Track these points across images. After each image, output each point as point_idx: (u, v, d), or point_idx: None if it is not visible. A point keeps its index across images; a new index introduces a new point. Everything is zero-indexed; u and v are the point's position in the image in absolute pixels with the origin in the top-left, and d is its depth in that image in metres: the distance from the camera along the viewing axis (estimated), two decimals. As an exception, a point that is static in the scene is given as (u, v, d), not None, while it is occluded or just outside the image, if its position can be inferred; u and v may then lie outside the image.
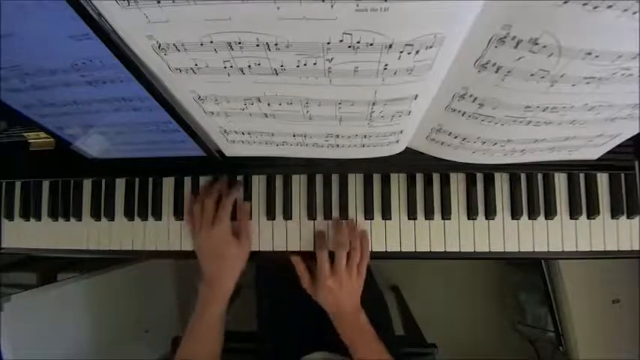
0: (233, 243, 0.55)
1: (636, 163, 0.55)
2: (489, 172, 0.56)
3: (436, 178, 0.57)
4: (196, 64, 0.34)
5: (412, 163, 0.55)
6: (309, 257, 0.58)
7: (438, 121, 0.45)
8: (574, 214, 0.55)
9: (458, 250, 0.56)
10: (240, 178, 0.60)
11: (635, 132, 0.44)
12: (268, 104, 0.40)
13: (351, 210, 0.58)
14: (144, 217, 0.61)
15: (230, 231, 0.56)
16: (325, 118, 0.41)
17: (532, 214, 0.56)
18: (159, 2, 0.27)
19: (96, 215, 0.62)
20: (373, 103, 0.38)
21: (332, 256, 0.56)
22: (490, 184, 0.57)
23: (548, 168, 0.55)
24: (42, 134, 0.59)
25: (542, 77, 0.33)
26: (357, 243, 0.56)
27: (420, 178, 0.58)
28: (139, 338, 1.16)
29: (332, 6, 0.26)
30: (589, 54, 0.30)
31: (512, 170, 0.56)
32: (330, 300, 0.56)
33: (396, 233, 0.57)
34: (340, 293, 0.55)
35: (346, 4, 0.25)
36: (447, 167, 0.54)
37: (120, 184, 0.63)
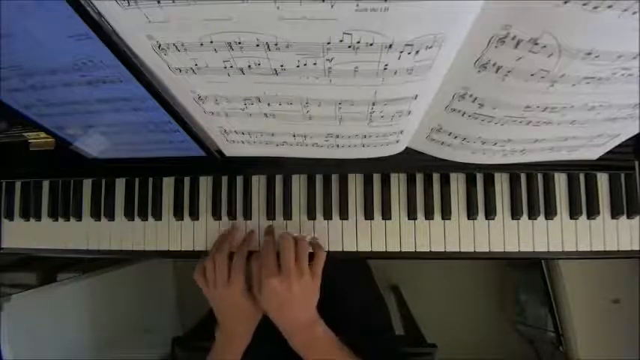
0: (249, 301, 0.53)
1: (636, 163, 0.55)
2: (489, 172, 0.56)
3: (436, 178, 0.57)
4: (196, 64, 0.34)
5: (412, 163, 0.55)
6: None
7: (438, 121, 0.45)
8: (574, 214, 0.55)
9: (458, 250, 0.56)
10: (240, 178, 0.60)
11: (635, 132, 0.44)
12: (268, 104, 0.40)
13: (351, 210, 0.58)
14: (144, 217, 0.61)
15: (245, 290, 0.53)
16: (325, 118, 0.42)
17: (532, 214, 0.56)
18: (159, 2, 0.27)
19: (96, 215, 0.62)
20: (373, 103, 0.38)
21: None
22: (490, 184, 0.57)
23: (548, 168, 0.55)
24: (42, 134, 0.59)
25: (542, 77, 0.33)
26: (299, 235, 0.53)
27: (420, 178, 0.58)
28: (139, 338, 1.16)
29: (332, 6, 0.26)
30: (589, 54, 0.30)
31: (512, 170, 0.56)
32: (275, 305, 0.50)
33: (396, 233, 0.57)
34: (288, 297, 0.48)
35: (346, 4, 0.25)
36: (447, 167, 0.54)
37: (120, 184, 0.63)
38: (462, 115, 0.41)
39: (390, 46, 0.29)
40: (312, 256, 0.53)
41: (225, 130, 0.47)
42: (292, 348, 0.51)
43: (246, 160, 0.56)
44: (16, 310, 0.76)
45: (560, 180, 0.56)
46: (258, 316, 0.55)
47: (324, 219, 0.58)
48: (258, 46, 0.30)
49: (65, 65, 0.35)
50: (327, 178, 0.59)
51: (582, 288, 0.90)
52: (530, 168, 0.54)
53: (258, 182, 0.60)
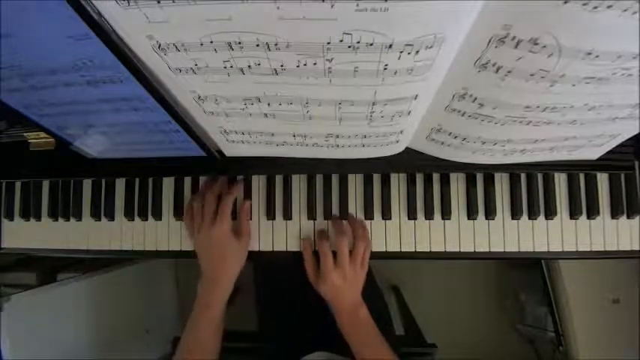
0: (233, 243, 0.55)
1: (636, 163, 0.55)
2: (489, 172, 0.56)
3: (436, 178, 0.57)
4: (196, 64, 0.34)
5: (412, 163, 0.55)
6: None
7: (438, 121, 0.45)
8: (574, 214, 0.55)
9: (458, 250, 0.56)
10: (240, 178, 0.60)
11: (635, 132, 0.44)
12: (268, 104, 0.40)
13: (351, 210, 0.58)
14: (144, 217, 0.61)
15: (230, 230, 0.55)
16: (325, 118, 0.41)
17: (532, 214, 0.56)
18: (159, 2, 0.27)
19: (96, 215, 0.62)
20: (373, 103, 0.38)
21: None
22: (490, 184, 0.57)
23: (548, 168, 0.55)
24: (42, 134, 0.59)
25: (542, 77, 0.33)
26: (359, 232, 0.55)
27: (420, 178, 0.58)
28: (139, 338, 1.16)
29: (332, 6, 0.26)
30: (589, 54, 0.30)
31: (512, 170, 0.56)
32: (331, 293, 0.55)
33: (396, 233, 0.57)
34: (343, 287, 0.54)
35: (346, 4, 0.25)
36: (447, 167, 0.54)
37: (120, 184, 0.63)
38: (462, 115, 0.41)
39: (390, 46, 0.29)
40: None
41: (225, 130, 0.47)
42: (339, 329, 0.56)
43: (246, 160, 0.56)
44: (16, 310, 0.76)
45: (560, 180, 0.56)
46: (240, 263, 0.56)
47: (324, 219, 0.58)
48: (258, 46, 0.30)
49: (65, 65, 0.35)
50: (327, 178, 0.59)
51: (582, 288, 0.90)
52: (530, 168, 0.54)
53: (259, 182, 0.60)
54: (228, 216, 0.55)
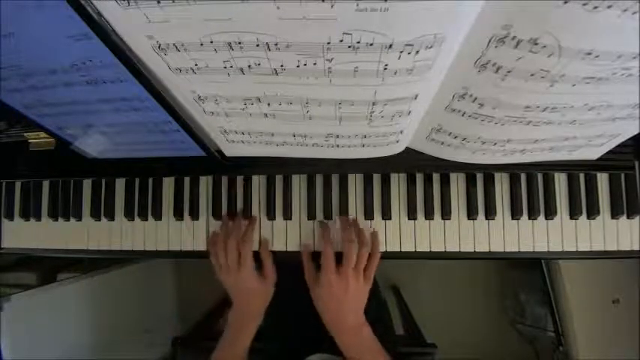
0: (258, 282, 0.57)
1: (636, 163, 0.55)
2: (489, 172, 0.56)
3: (436, 178, 0.57)
4: (196, 64, 0.34)
5: (412, 163, 0.55)
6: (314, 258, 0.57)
7: (438, 121, 0.45)
8: (574, 214, 0.55)
9: (458, 250, 0.56)
10: (240, 178, 0.60)
11: (635, 132, 0.44)
12: (268, 104, 0.40)
13: (351, 210, 0.58)
14: (144, 217, 0.61)
15: (254, 272, 0.57)
16: (325, 118, 0.42)
17: (532, 214, 0.56)
18: (159, 2, 0.27)
19: (96, 215, 0.62)
20: (373, 103, 0.38)
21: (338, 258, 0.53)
22: (490, 184, 0.57)
23: (548, 168, 0.55)
24: (42, 134, 0.59)
25: (542, 77, 0.33)
26: (365, 239, 0.54)
27: (420, 178, 0.58)
28: (139, 338, 1.16)
29: (332, 6, 0.26)
30: (589, 54, 0.30)
31: (512, 170, 0.56)
32: (330, 305, 0.53)
33: (396, 233, 0.57)
34: (343, 298, 0.52)
35: (346, 4, 0.25)
36: (447, 167, 0.54)
37: (120, 184, 0.63)
38: (462, 115, 0.41)
39: (390, 46, 0.29)
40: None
41: (225, 130, 0.47)
42: (341, 350, 0.53)
43: (246, 160, 0.56)
44: (16, 310, 0.76)
45: (560, 180, 0.56)
46: (267, 297, 0.59)
47: (324, 219, 0.58)
48: (258, 46, 0.30)
49: (65, 65, 0.35)
50: (327, 178, 0.59)
51: (582, 288, 0.90)
52: (530, 168, 0.54)
53: (259, 182, 0.60)
54: (249, 262, 0.56)
